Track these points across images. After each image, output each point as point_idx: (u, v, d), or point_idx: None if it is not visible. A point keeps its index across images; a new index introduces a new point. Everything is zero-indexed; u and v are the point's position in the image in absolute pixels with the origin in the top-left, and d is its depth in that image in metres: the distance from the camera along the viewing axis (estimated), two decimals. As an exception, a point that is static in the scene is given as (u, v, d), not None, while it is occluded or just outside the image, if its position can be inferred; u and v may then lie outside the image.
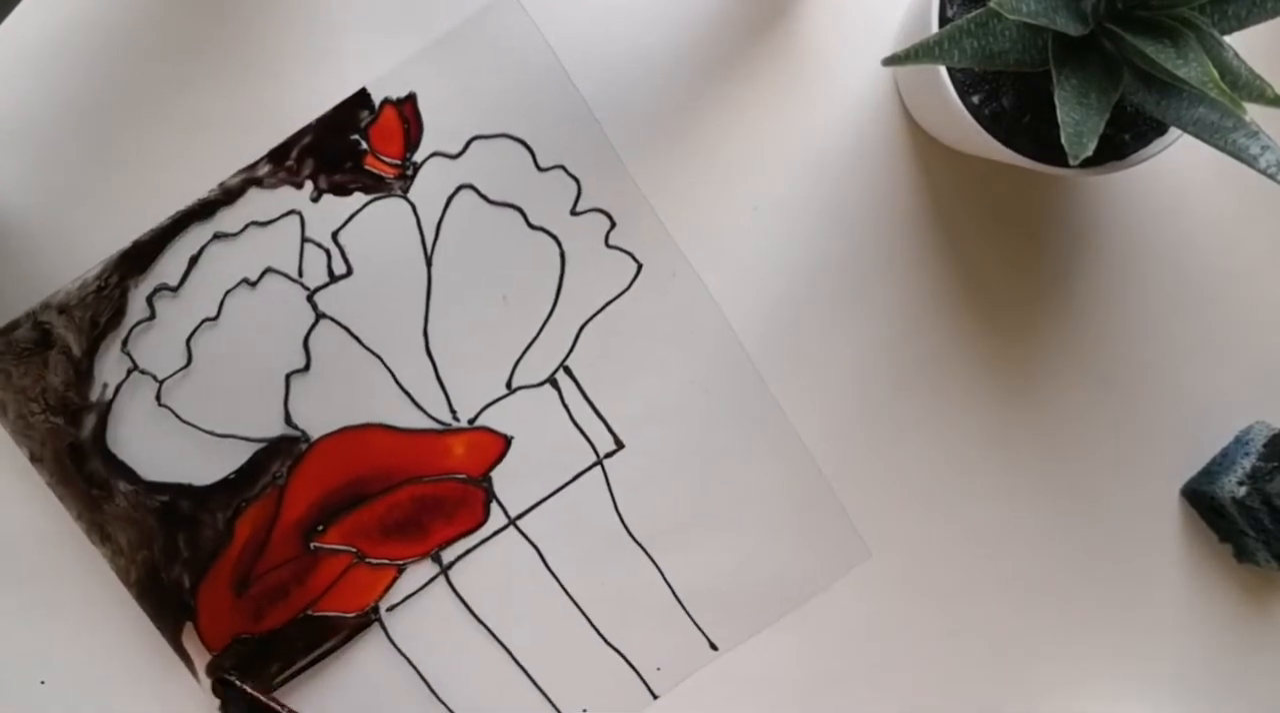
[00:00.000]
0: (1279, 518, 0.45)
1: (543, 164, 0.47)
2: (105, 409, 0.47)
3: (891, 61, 0.35)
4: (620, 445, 0.48)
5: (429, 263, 0.47)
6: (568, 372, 0.48)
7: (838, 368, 0.48)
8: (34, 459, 0.46)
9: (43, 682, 0.47)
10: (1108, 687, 0.49)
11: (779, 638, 0.48)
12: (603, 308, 0.48)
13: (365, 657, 0.48)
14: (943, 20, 0.39)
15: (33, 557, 0.47)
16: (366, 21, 0.46)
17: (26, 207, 0.46)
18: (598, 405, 0.48)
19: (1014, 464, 0.49)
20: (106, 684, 0.47)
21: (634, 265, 0.48)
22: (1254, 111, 0.34)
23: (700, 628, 0.48)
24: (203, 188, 0.46)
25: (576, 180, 0.47)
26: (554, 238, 0.47)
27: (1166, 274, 0.48)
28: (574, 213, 0.47)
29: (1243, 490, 0.46)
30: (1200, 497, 0.48)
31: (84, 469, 0.46)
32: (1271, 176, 0.33)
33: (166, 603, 0.47)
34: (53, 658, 0.47)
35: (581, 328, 0.48)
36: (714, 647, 0.48)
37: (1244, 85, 0.34)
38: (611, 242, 0.47)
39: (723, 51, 0.47)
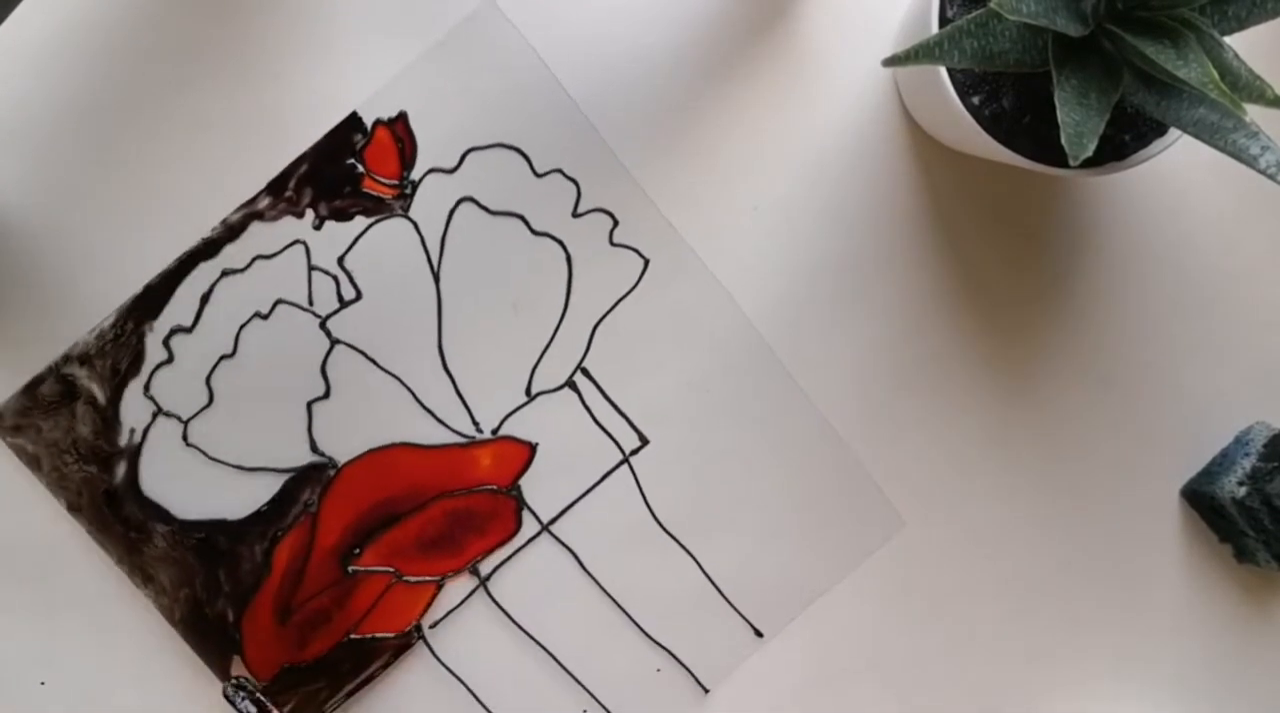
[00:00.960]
0: (1279, 518, 0.45)
1: (539, 169, 0.47)
2: (135, 453, 0.47)
3: (891, 62, 0.35)
4: (645, 441, 0.48)
5: (437, 279, 0.47)
6: (585, 373, 0.48)
7: (838, 368, 0.48)
8: (72, 509, 0.46)
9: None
10: (1108, 687, 0.49)
11: (779, 639, 0.49)
12: (614, 306, 0.48)
13: (412, 676, 0.48)
14: (943, 20, 0.39)
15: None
16: (367, 22, 0.46)
17: (26, 207, 0.46)
18: (618, 403, 0.48)
19: (1014, 464, 0.49)
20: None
21: (640, 261, 0.47)
22: (1254, 112, 0.34)
23: (744, 616, 0.48)
24: (204, 196, 0.46)
25: (575, 182, 0.47)
26: (558, 242, 0.47)
27: (1166, 274, 0.48)
28: (575, 215, 0.47)
29: (1243, 491, 0.46)
30: (1200, 497, 0.48)
31: (121, 514, 0.47)
32: (1271, 177, 0.33)
33: (212, 638, 0.47)
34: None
35: (595, 328, 0.48)
36: (759, 633, 0.48)
37: (1244, 86, 0.34)
38: (616, 239, 0.47)
39: (723, 51, 0.47)
